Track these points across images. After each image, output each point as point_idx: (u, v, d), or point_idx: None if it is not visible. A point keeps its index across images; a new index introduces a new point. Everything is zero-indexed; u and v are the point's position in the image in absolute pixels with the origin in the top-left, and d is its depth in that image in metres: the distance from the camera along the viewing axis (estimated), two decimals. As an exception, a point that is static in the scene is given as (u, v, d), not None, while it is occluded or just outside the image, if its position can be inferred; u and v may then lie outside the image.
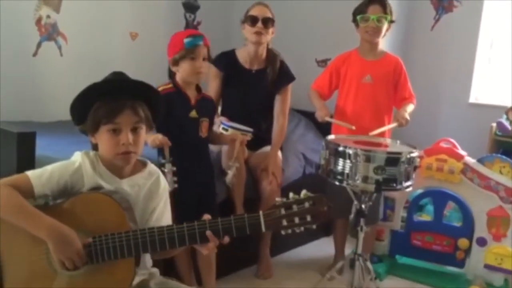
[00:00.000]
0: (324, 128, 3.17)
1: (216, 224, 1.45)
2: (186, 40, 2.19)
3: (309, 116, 3.56)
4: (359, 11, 2.71)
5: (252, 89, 2.84)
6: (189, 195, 2.24)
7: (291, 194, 1.49)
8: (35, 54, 3.15)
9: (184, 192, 2.20)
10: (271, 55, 2.86)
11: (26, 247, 1.42)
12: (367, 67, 2.76)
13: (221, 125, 2.63)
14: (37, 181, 1.45)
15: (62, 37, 3.26)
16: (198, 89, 2.35)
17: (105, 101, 1.47)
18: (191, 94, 2.31)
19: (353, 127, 2.58)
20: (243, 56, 2.86)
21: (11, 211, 1.40)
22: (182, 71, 2.25)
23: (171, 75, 2.31)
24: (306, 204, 1.47)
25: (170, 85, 2.29)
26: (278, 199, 1.49)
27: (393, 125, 2.68)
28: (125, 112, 1.47)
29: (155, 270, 1.65)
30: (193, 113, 2.29)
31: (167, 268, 2.16)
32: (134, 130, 1.49)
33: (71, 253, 1.39)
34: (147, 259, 1.61)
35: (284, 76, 2.89)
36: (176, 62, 2.24)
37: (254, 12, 2.76)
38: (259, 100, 2.86)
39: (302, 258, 3.17)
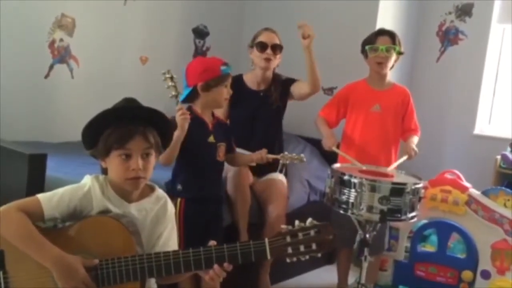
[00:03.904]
0: (329, 156, 3.19)
1: (222, 250, 1.46)
2: (223, 68, 2.27)
3: (314, 143, 3.59)
4: (368, 41, 2.76)
5: (261, 110, 2.89)
6: (198, 219, 2.27)
7: (296, 222, 1.50)
8: (47, 76, 3.21)
9: (194, 216, 2.24)
10: (276, 75, 2.94)
11: (33, 268, 1.44)
12: (376, 96, 2.79)
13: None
14: (48, 205, 1.48)
15: (74, 60, 3.32)
16: (212, 113, 2.40)
17: (116, 127, 1.50)
18: (208, 119, 2.35)
19: (364, 167, 2.53)
20: (251, 79, 2.93)
21: (20, 238, 1.42)
22: (212, 97, 2.29)
23: (192, 99, 2.33)
24: (312, 232, 1.48)
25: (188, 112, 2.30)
26: (283, 226, 1.50)
27: (404, 158, 2.70)
28: (136, 139, 1.50)
29: (159, 295, 1.66)
30: (211, 138, 2.32)
31: (171, 293, 2.17)
32: (144, 156, 1.53)
33: (76, 283, 1.40)
34: (152, 283, 1.62)
35: (287, 81, 2.95)
36: (208, 88, 2.27)
37: (263, 38, 2.82)
38: (265, 123, 2.90)
39: (304, 286, 3.15)
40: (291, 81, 2.95)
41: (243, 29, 4.18)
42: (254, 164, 2.61)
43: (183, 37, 3.97)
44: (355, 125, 2.81)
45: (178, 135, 2.14)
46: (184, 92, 2.32)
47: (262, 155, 2.46)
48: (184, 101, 2.33)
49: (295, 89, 2.92)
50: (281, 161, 2.53)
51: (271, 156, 2.49)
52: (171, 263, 1.45)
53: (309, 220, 1.50)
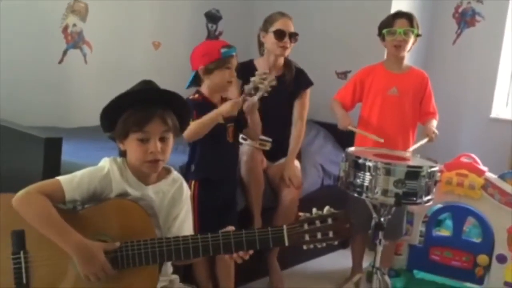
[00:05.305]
0: (343, 140, 3.18)
1: (240, 236, 1.47)
2: (223, 50, 2.24)
3: (328, 127, 3.57)
4: (386, 24, 2.71)
5: (272, 96, 2.86)
6: (212, 201, 2.29)
7: (314, 210, 1.51)
8: (61, 62, 3.22)
9: (208, 198, 2.26)
10: (287, 61, 2.92)
11: (53, 249, 1.45)
12: (393, 79, 2.76)
13: (240, 135, 2.65)
14: (68, 187, 1.48)
15: (87, 45, 3.33)
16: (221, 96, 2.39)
17: (135, 110, 1.50)
18: (217, 101, 2.34)
19: (381, 140, 2.56)
20: (262, 64, 2.90)
21: (41, 222, 1.43)
22: (215, 80, 2.28)
23: (198, 83, 2.34)
24: (329, 220, 1.50)
25: (197, 95, 2.33)
26: (301, 214, 1.51)
27: (425, 140, 2.68)
28: (154, 121, 1.50)
29: (175, 277, 1.68)
30: (221, 119, 2.31)
31: (186, 275, 2.19)
32: (162, 139, 1.53)
33: (96, 269, 1.42)
34: (168, 266, 1.64)
35: (302, 82, 2.93)
36: (209, 71, 2.27)
37: (280, 25, 2.77)
38: (279, 107, 2.89)
39: (318, 270, 3.17)
40: (304, 85, 2.92)
41: (255, 13, 4.14)
42: (261, 142, 2.60)
43: (195, 21, 3.95)
44: (372, 108, 2.78)
45: (218, 114, 2.21)
46: (190, 77, 2.33)
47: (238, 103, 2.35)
48: (190, 85, 2.34)
49: (295, 106, 2.90)
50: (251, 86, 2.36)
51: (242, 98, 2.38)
52: (190, 248, 1.46)
53: (327, 208, 1.52)
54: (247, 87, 2.37)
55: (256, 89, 2.36)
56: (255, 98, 2.38)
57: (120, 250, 1.44)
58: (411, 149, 2.62)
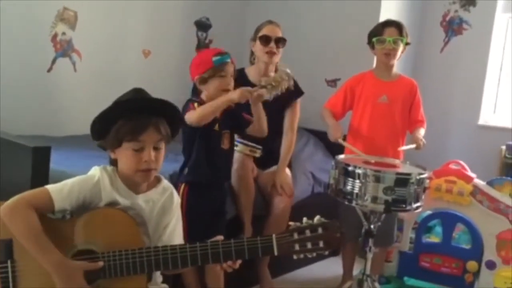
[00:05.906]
0: (333, 148, 3.18)
1: (229, 245, 1.47)
2: (214, 59, 2.22)
3: (318, 135, 3.58)
4: (375, 33, 2.74)
5: (264, 105, 2.86)
6: (201, 206, 2.28)
7: (304, 219, 1.51)
8: (49, 70, 3.21)
9: (198, 202, 2.26)
10: (278, 70, 2.91)
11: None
12: (383, 87, 2.77)
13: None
14: (58, 196, 1.47)
15: (77, 53, 3.31)
16: None
17: (129, 119, 1.49)
18: None
19: (372, 160, 2.57)
20: (253, 73, 2.90)
21: (24, 237, 1.42)
22: (211, 89, 2.26)
23: (197, 93, 2.33)
24: (319, 230, 1.49)
25: (196, 104, 2.29)
26: (291, 223, 1.51)
27: (413, 146, 2.70)
28: (149, 131, 1.50)
29: (165, 287, 1.67)
30: (216, 127, 2.31)
31: (176, 284, 2.18)
32: (156, 148, 1.52)
33: None
34: (158, 275, 1.63)
35: (293, 91, 2.91)
36: (204, 80, 2.25)
37: (266, 31, 2.80)
38: (270, 116, 2.88)
39: (309, 278, 3.16)
40: (295, 94, 2.88)
41: (245, 21, 4.17)
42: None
43: (185, 29, 3.96)
44: (362, 116, 2.79)
45: (228, 100, 2.20)
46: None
47: (248, 92, 2.32)
48: (192, 96, 2.34)
49: (286, 115, 2.89)
50: (263, 84, 2.36)
51: (255, 88, 2.37)
52: (178, 257, 1.45)
53: (317, 217, 1.51)
54: (264, 79, 2.39)
55: (273, 85, 2.36)
56: (265, 91, 2.36)
57: (107, 259, 1.43)
58: (400, 148, 2.67)
